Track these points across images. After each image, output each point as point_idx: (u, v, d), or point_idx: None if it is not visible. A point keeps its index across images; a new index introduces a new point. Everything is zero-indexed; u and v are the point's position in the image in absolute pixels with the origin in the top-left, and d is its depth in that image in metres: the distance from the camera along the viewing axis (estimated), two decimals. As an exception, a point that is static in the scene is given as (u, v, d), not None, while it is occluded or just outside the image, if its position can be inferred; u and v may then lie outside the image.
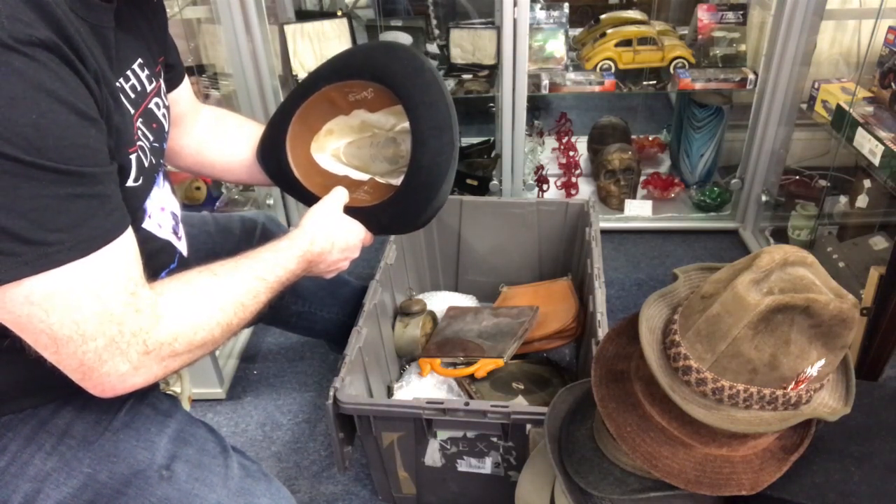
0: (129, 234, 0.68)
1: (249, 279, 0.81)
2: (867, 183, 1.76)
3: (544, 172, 2.22)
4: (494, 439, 1.13)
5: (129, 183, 0.75)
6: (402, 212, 0.99)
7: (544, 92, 1.96)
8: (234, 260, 0.82)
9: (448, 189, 0.96)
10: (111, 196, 0.66)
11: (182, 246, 0.94)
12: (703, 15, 2.01)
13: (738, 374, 0.73)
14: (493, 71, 1.99)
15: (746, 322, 0.70)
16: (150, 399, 0.85)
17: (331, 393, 1.08)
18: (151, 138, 0.81)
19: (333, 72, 1.01)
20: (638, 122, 2.67)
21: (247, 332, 1.77)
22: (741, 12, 1.99)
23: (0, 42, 0.55)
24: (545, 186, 2.20)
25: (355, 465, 1.40)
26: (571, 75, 1.99)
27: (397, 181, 1.00)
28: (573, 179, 2.28)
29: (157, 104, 0.85)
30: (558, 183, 2.28)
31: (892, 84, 1.60)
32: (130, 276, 0.67)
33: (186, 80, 1.04)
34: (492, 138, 2.29)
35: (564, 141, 2.43)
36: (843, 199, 1.88)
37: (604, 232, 1.67)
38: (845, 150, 1.65)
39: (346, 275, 1.37)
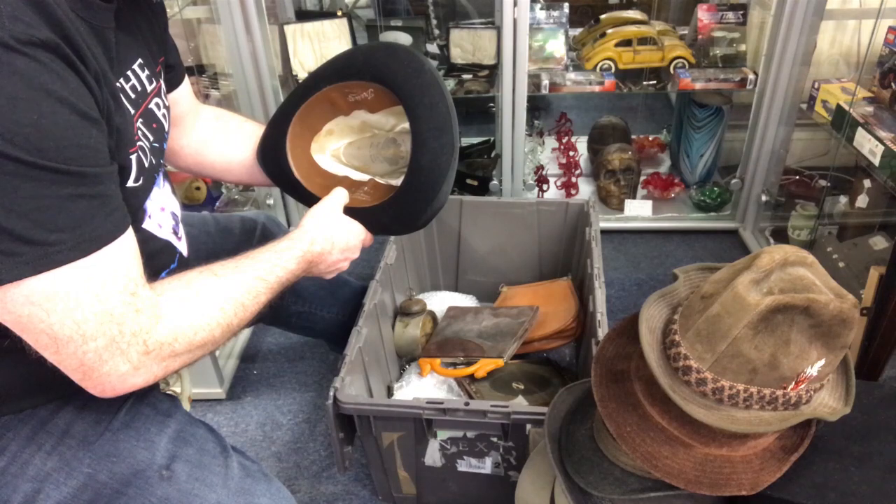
0: (130, 234, 0.68)
1: (249, 279, 0.81)
2: (867, 183, 1.75)
3: (544, 172, 2.22)
4: (494, 439, 1.13)
5: (130, 183, 0.75)
6: (402, 212, 0.99)
7: (544, 92, 1.96)
8: (234, 260, 0.82)
9: (448, 190, 0.96)
10: (112, 196, 0.66)
11: (182, 246, 0.94)
12: (703, 15, 2.01)
13: (738, 374, 0.73)
14: (493, 71, 1.99)
15: (746, 322, 0.70)
16: (150, 399, 0.85)
17: (331, 393, 1.08)
18: (151, 138, 0.81)
19: (334, 72, 1.01)
20: (638, 122, 2.67)
21: (247, 332, 1.77)
22: (741, 12, 1.99)
23: (1, 42, 0.55)
24: (545, 186, 2.20)
25: (355, 465, 1.40)
26: (571, 75, 1.99)
27: (397, 182, 1.00)
28: (573, 179, 2.28)
29: (157, 104, 0.85)
30: (558, 183, 2.28)
31: (892, 84, 1.60)
32: (131, 277, 0.67)
33: (187, 81, 1.04)
34: (492, 138, 2.29)
35: (564, 141, 2.43)
36: (843, 199, 1.88)
37: (604, 232, 1.67)
38: (845, 150, 1.65)
39: (346, 275, 1.37)
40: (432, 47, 2.23)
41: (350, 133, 1.09)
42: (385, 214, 1.00)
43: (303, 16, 2.10)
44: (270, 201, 2.04)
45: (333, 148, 1.09)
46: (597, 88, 1.96)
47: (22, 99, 0.56)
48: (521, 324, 1.44)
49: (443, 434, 1.15)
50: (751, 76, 1.92)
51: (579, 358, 1.49)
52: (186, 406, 1.07)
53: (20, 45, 0.56)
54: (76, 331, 0.62)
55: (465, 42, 2.00)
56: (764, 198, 2.00)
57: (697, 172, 2.21)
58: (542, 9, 2.07)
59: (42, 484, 0.74)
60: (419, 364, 1.42)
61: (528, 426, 1.07)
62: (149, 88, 0.82)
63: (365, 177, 1.07)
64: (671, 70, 1.98)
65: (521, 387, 1.36)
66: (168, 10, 0.95)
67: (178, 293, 0.73)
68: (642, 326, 0.80)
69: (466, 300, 1.71)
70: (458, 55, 2.02)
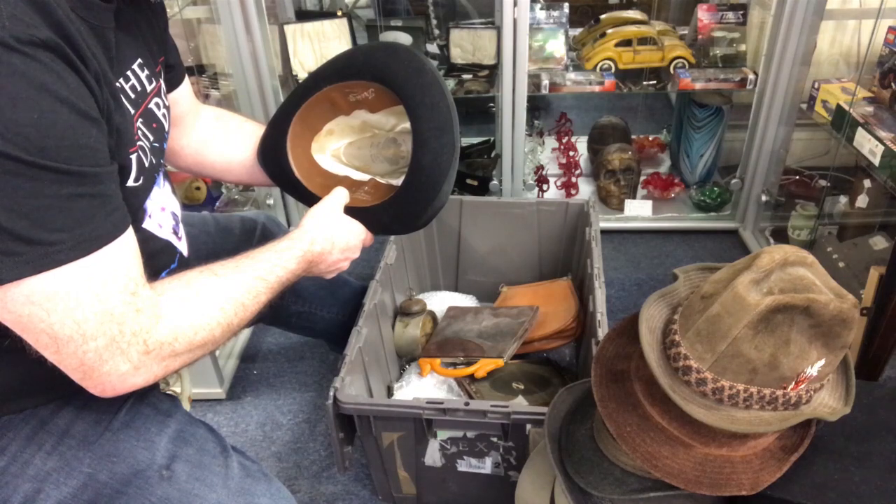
0: (130, 233, 0.68)
1: (250, 279, 0.81)
2: (867, 183, 1.75)
3: (544, 172, 2.22)
4: (494, 439, 1.13)
5: (130, 183, 0.75)
6: (402, 212, 0.99)
7: (544, 92, 1.96)
8: (234, 260, 0.82)
9: (449, 189, 0.96)
10: (112, 196, 0.66)
11: (182, 246, 0.94)
12: (703, 15, 2.01)
13: (738, 374, 0.73)
14: (493, 71, 1.99)
15: (746, 322, 0.70)
16: (151, 399, 0.85)
17: (331, 393, 1.08)
18: (151, 138, 0.81)
19: (334, 72, 1.01)
20: (638, 122, 2.67)
21: (247, 332, 1.77)
22: (741, 12, 1.99)
23: (1, 42, 0.55)
24: (545, 186, 2.20)
25: (355, 465, 1.40)
26: (571, 75, 1.99)
27: (398, 181, 1.00)
28: (573, 179, 2.28)
29: (157, 104, 0.85)
30: (558, 183, 2.28)
31: (892, 84, 1.60)
32: (131, 276, 0.67)
33: (187, 81, 1.04)
34: (492, 138, 2.29)
35: (564, 141, 2.43)
36: (843, 199, 1.88)
37: (604, 232, 1.67)
38: (845, 150, 1.65)
39: (346, 275, 1.37)
40: (432, 47, 2.24)
41: (350, 133, 1.09)
42: (385, 214, 1.00)
43: (303, 16, 2.10)
44: (270, 201, 2.04)
45: (334, 148, 1.09)
46: (597, 88, 1.96)
47: (22, 98, 0.56)
48: (521, 324, 1.44)
49: (443, 434, 1.15)
50: (751, 76, 1.92)
51: (579, 358, 1.49)
52: (186, 406, 1.07)
53: (20, 45, 0.56)
54: (76, 330, 0.62)
55: (465, 42, 2.00)
56: (764, 198, 2.00)
57: (697, 172, 2.21)
58: (542, 9, 2.07)
59: (42, 484, 0.74)
60: (419, 364, 1.42)
61: (528, 426, 1.07)
62: (149, 88, 0.82)
63: (365, 176, 1.07)
64: (671, 70, 1.98)
65: (521, 387, 1.36)
66: (168, 10, 0.95)
67: (179, 293, 0.73)
68: (642, 326, 0.80)
69: (466, 300, 1.71)
70: (458, 55, 2.02)
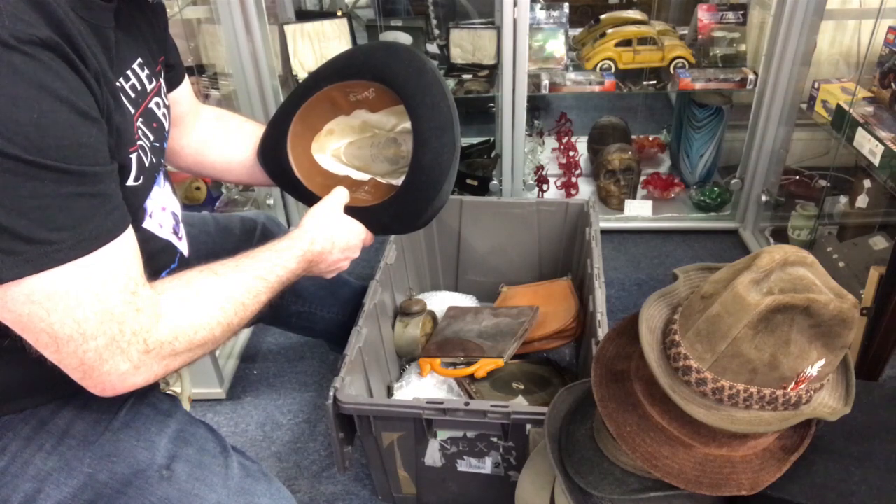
0: (130, 233, 0.68)
1: (250, 279, 0.81)
2: (867, 183, 1.76)
3: (544, 172, 2.22)
4: (494, 439, 1.13)
5: (130, 182, 0.75)
6: (402, 212, 0.99)
7: (544, 92, 1.96)
8: (234, 259, 0.82)
9: (449, 189, 0.96)
10: (112, 195, 0.66)
11: (183, 246, 0.94)
12: (703, 15, 2.01)
13: (738, 374, 0.73)
14: (493, 71, 1.99)
15: (746, 322, 0.70)
16: (151, 399, 0.85)
17: (331, 393, 1.08)
18: (152, 138, 0.82)
19: (335, 72, 1.01)
20: (638, 122, 2.67)
21: (247, 332, 1.77)
22: (741, 12, 1.99)
23: (1, 41, 0.55)
24: (545, 186, 2.20)
25: (355, 465, 1.40)
26: (571, 75, 1.99)
27: (398, 181, 1.00)
28: (573, 179, 2.28)
29: (157, 104, 0.85)
30: (558, 183, 2.28)
31: (892, 84, 1.60)
32: (131, 276, 0.67)
33: (187, 80, 1.04)
34: (492, 138, 2.29)
35: (564, 141, 2.43)
36: (843, 199, 1.88)
37: (604, 232, 1.67)
38: (845, 150, 1.65)
39: (346, 275, 1.37)
40: (432, 47, 2.24)
41: (351, 132, 1.09)
42: (386, 214, 1.00)
43: (303, 16, 2.10)
44: (270, 201, 2.04)
45: (334, 147, 1.09)
46: (597, 88, 1.96)
47: (22, 98, 0.56)
48: (521, 324, 1.44)
49: (443, 434, 1.15)
50: (751, 76, 1.92)
51: (579, 358, 1.49)
52: (186, 406, 1.07)
53: (20, 44, 0.56)
54: (76, 330, 0.62)
55: (465, 42, 2.00)
56: (764, 198, 2.00)
57: (697, 172, 2.21)
58: (542, 9, 2.07)
59: (42, 483, 0.74)
60: (419, 364, 1.42)
61: (528, 426, 1.07)
62: (149, 88, 0.82)
63: (366, 176, 1.07)
64: (671, 70, 1.98)
65: (521, 387, 1.36)
66: (168, 10, 0.95)
67: (179, 292, 0.73)
68: (642, 326, 0.80)
69: (466, 300, 1.71)
70: (458, 55, 2.02)
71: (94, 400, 0.78)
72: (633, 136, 2.48)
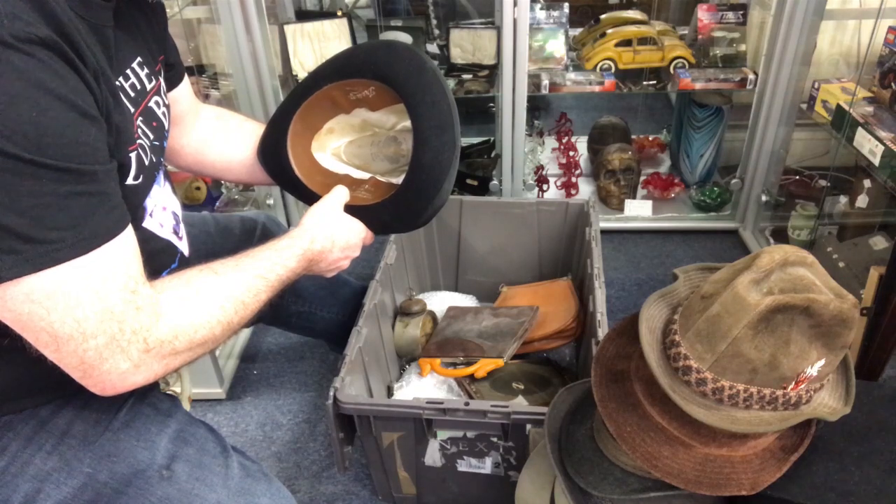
0: (130, 232, 0.68)
1: (250, 277, 0.81)
2: (867, 183, 1.76)
3: (544, 172, 2.22)
4: (494, 439, 1.13)
5: (129, 181, 0.75)
6: (403, 210, 0.99)
7: (544, 92, 1.96)
8: (234, 258, 0.82)
9: (449, 188, 0.96)
10: (111, 194, 0.66)
11: (183, 246, 0.94)
12: (703, 15, 2.01)
13: (738, 374, 0.73)
14: (493, 71, 1.99)
15: (746, 322, 0.70)
16: (151, 399, 0.85)
17: (331, 393, 1.08)
18: (151, 136, 0.81)
19: (335, 70, 1.01)
20: (638, 122, 2.67)
21: (247, 332, 1.77)
22: (741, 12, 1.99)
23: (0, 40, 0.55)
24: (545, 186, 2.20)
25: (355, 465, 1.40)
26: (571, 75, 1.99)
27: (398, 180, 1.00)
28: (573, 179, 2.28)
29: (157, 103, 0.85)
30: (558, 183, 2.28)
31: (892, 84, 1.60)
32: (131, 274, 0.67)
33: (186, 80, 1.04)
34: (492, 138, 2.29)
35: (564, 141, 2.43)
36: (843, 199, 1.88)
37: (604, 232, 1.67)
38: (845, 150, 1.65)
39: (346, 275, 1.37)
40: (432, 47, 2.23)
41: (351, 131, 1.09)
42: (386, 212, 1.00)
43: (303, 16, 2.10)
44: (270, 201, 2.04)
45: (334, 146, 1.09)
46: (597, 88, 1.96)
47: (21, 96, 0.56)
48: (521, 324, 1.44)
49: (443, 434, 1.15)
50: (751, 76, 1.92)
51: (579, 358, 1.49)
52: (186, 406, 1.07)
53: (19, 43, 0.56)
54: (76, 329, 0.62)
55: (465, 42, 2.00)
56: (764, 198, 2.00)
57: (697, 172, 2.21)
58: (542, 9, 2.07)
59: (42, 483, 0.74)
60: (419, 364, 1.42)
61: (528, 426, 1.07)
62: (148, 87, 0.82)
63: (366, 175, 1.07)
64: (671, 70, 1.98)
65: (521, 387, 1.36)
66: (168, 10, 0.95)
67: (179, 291, 0.73)
68: (642, 326, 0.80)
69: (466, 300, 1.71)
70: (458, 55, 2.02)
71: (95, 400, 0.78)
72: (633, 136, 2.48)
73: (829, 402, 0.78)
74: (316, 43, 1.93)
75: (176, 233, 0.91)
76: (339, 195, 1.00)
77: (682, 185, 2.24)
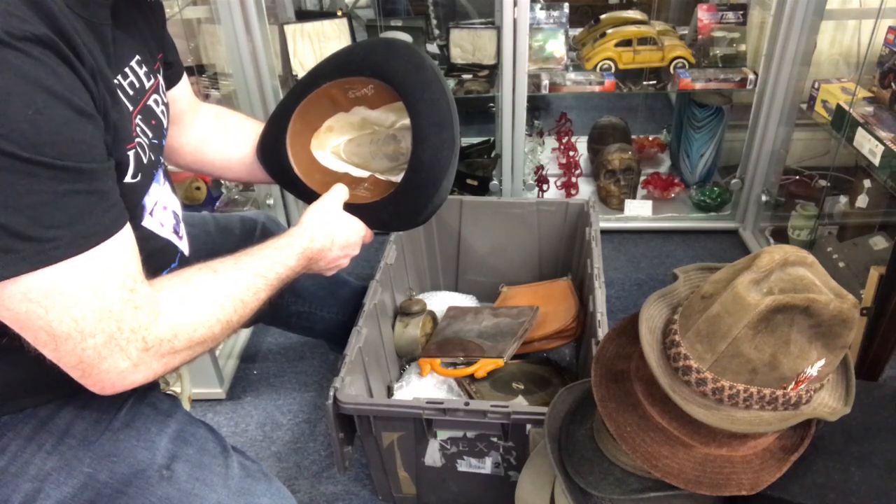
0: (128, 230, 0.68)
1: (249, 276, 0.81)
2: (867, 183, 1.76)
3: (544, 172, 2.22)
4: (494, 439, 1.13)
5: (127, 179, 0.74)
6: (402, 208, 0.99)
7: (544, 92, 1.96)
8: (233, 257, 0.82)
9: (449, 186, 0.96)
10: (109, 192, 0.65)
11: (184, 245, 0.94)
12: (703, 15, 2.01)
13: (738, 374, 0.73)
14: (493, 71, 1.99)
15: (746, 322, 0.70)
16: (151, 399, 0.85)
17: (331, 393, 1.08)
18: (150, 135, 0.81)
19: (334, 69, 1.01)
20: (638, 122, 2.67)
21: (247, 332, 1.77)
22: (741, 12, 1.99)
23: None
24: (545, 186, 2.20)
25: (355, 465, 1.40)
26: (571, 75, 1.99)
27: (397, 178, 1.00)
28: (573, 179, 2.28)
29: (155, 101, 0.85)
30: (558, 183, 2.28)
31: (892, 84, 1.60)
32: (129, 273, 0.66)
33: (185, 78, 1.04)
34: (492, 138, 2.29)
35: (564, 141, 2.43)
36: (843, 199, 1.88)
37: (604, 232, 1.67)
38: (845, 150, 1.65)
39: (345, 275, 1.37)
40: (432, 47, 2.23)
41: (350, 130, 1.09)
42: (385, 211, 0.99)
43: (303, 16, 2.10)
44: (270, 201, 2.04)
45: (333, 144, 1.09)
46: (597, 88, 1.96)
47: (16, 94, 0.56)
48: (521, 324, 1.44)
49: (443, 434, 1.15)
50: (751, 76, 1.92)
51: (579, 358, 1.49)
52: (186, 406, 1.06)
53: (14, 41, 0.56)
54: (75, 328, 0.62)
55: (465, 42, 2.00)
56: (764, 198, 2.00)
57: (697, 172, 2.21)
58: (542, 9, 2.07)
59: (42, 483, 0.74)
60: (419, 364, 1.42)
61: (528, 426, 1.07)
62: (147, 85, 0.82)
63: (365, 173, 1.07)
64: (671, 70, 1.98)
65: (521, 387, 1.36)
66: (168, 10, 0.95)
67: (178, 290, 0.73)
68: (642, 326, 0.80)
69: (466, 300, 1.71)
70: (458, 55, 2.02)
71: (95, 400, 0.78)
72: (633, 136, 2.48)
73: (829, 402, 0.78)
74: (316, 43, 1.93)
75: (176, 232, 0.91)
76: (339, 193, 1.00)
77: (682, 185, 2.24)
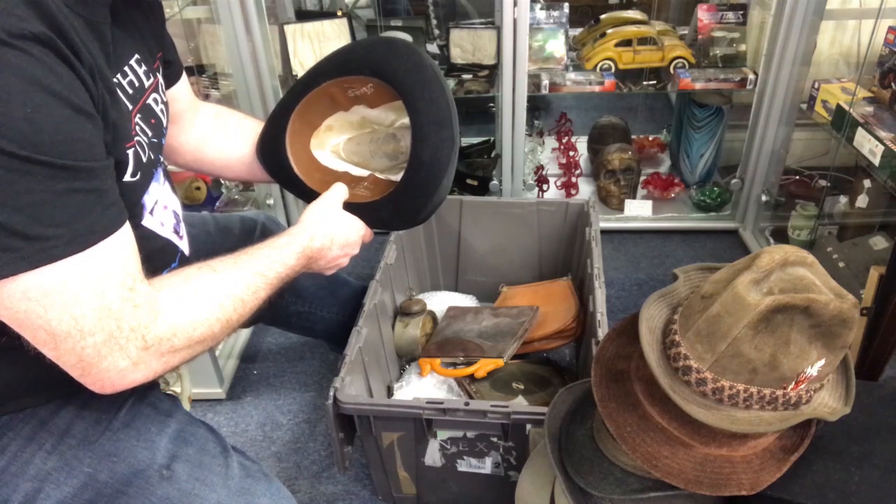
0: (127, 229, 0.68)
1: (249, 275, 0.81)
2: (867, 183, 1.76)
3: (544, 172, 2.22)
4: (494, 439, 1.13)
5: (127, 178, 0.74)
6: (402, 207, 0.99)
7: (544, 92, 1.96)
8: (233, 256, 0.82)
9: (448, 185, 0.96)
10: (108, 191, 0.65)
11: (184, 245, 0.94)
12: (703, 15, 2.01)
13: (738, 374, 0.73)
14: (493, 71, 1.99)
15: (746, 322, 0.70)
16: (151, 399, 0.85)
17: (331, 393, 1.08)
18: (150, 134, 0.81)
19: (333, 67, 1.01)
20: (638, 122, 2.66)
21: (247, 332, 1.77)
22: (741, 12, 1.99)
23: None
24: (545, 186, 2.20)
25: (355, 465, 1.40)
26: (571, 75, 1.99)
27: (397, 177, 1.00)
28: (573, 179, 2.28)
29: (155, 100, 0.85)
30: (558, 183, 2.28)
31: (892, 84, 1.60)
32: (128, 272, 0.66)
33: (185, 77, 1.04)
34: (492, 138, 2.29)
35: (564, 141, 2.43)
36: (843, 199, 1.88)
37: (604, 232, 1.67)
38: (845, 150, 1.65)
39: (345, 275, 1.37)
40: (432, 47, 2.23)
41: (349, 129, 1.09)
42: (385, 209, 0.99)
43: (303, 16, 2.10)
44: (270, 201, 2.04)
45: (333, 144, 1.09)
46: (597, 88, 1.96)
47: (15, 93, 0.56)
48: (521, 324, 1.44)
49: (443, 434, 1.15)
50: (751, 76, 1.92)
51: (579, 358, 1.49)
52: (186, 406, 1.06)
53: (12, 39, 0.56)
54: (74, 326, 0.62)
55: (465, 42, 2.00)
56: (764, 198, 2.00)
57: (697, 172, 2.21)
58: (542, 9, 2.07)
59: (42, 483, 0.74)
60: (419, 364, 1.42)
61: (528, 426, 1.07)
62: (146, 84, 0.82)
63: (365, 172, 1.07)
64: (671, 70, 1.98)
65: (521, 387, 1.36)
66: (168, 10, 0.95)
67: (177, 289, 0.73)
68: (642, 326, 0.80)
69: (466, 300, 1.71)
70: (458, 55, 2.02)
71: (95, 399, 0.78)
72: (633, 136, 2.48)
73: (829, 402, 0.78)
74: (316, 43, 1.93)
75: (176, 232, 0.91)
76: (338, 192, 1.00)
77: (682, 185, 2.24)
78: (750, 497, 0.76)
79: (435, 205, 0.97)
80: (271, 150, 1.06)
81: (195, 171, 1.37)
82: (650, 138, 2.54)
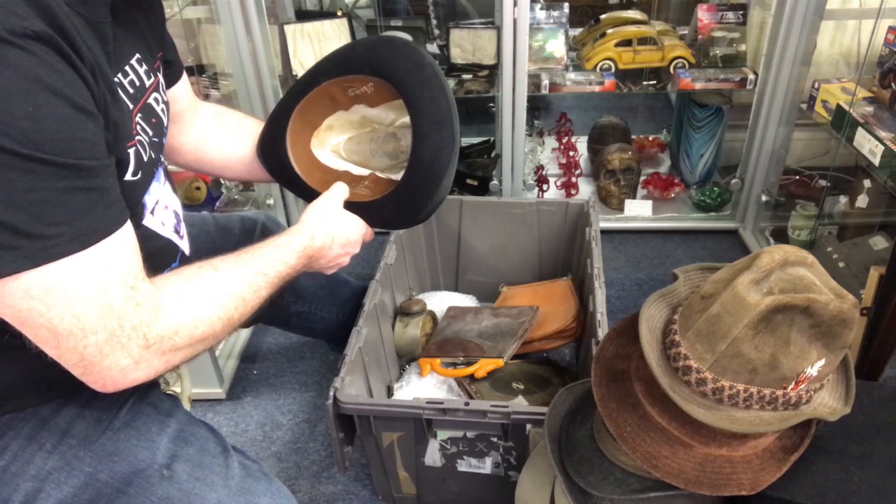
0: (128, 227, 0.68)
1: (250, 274, 0.81)
2: (867, 183, 1.76)
3: (544, 172, 2.22)
4: (494, 439, 1.13)
5: (128, 177, 0.75)
6: (403, 206, 0.99)
7: (544, 92, 1.96)
8: (234, 255, 0.82)
9: (449, 184, 0.96)
10: (109, 189, 0.66)
11: (184, 245, 0.94)
12: (703, 15, 2.01)
13: (738, 374, 0.73)
14: (493, 71, 1.99)
15: (746, 322, 0.70)
16: (151, 398, 0.85)
17: (331, 393, 1.08)
18: (150, 133, 0.81)
19: (333, 67, 1.01)
20: (638, 122, 2.67)
21: (247, 332, 1.77)
22: (741, 12, 2.00)
23: None
24: (545, 186, 2.20)
25: (355, 465, 1.40)
26: (571, 75, 1.99)
27: (397, 176, 1.00)
28: (573, 179, 2.28)
29: (156, 99, 0.85)
30: (558, 183, 2.28)
31: (892, 84, 1.60)
32: (130, 270, 0.66)
33: (185, 77, 1.04)
34: (492, 138, 2.29)
35: (564, 141, 2.43)
36: (843, 199, 1.88)
37: (604, 232, 1.67)
38: (845, 150, 1.65)
39: (345, 275, 1.37)
40: (432, 47, 2.23)
41: (350, 128, 1.09)
42: (386, 208, 0.99)
43: (303, 16, 2.10)
44: (270, 201, 2.04)
45: (333, 143, 1.09)
46: (597, 88, 1.96)
47: (16, 91, 0.56)
48: (521, 324, 1.44)
49: (443, 434, 1.15)
50: (751, 76, 1.92)
51: (579, 358, 1.49)
52: (187, 406, 1.06)
53: (14, 38, 0.56)
54: (76, 324, 0.62)
55: (465, 42, 2.00)
56: (764, 198, 2.00)
57: (697, 172, 2.21)
58: (542, 9, 2.07)
59: (43, 483, 0.74)
60: (419, 364, 1.42)
61: (528, 426, 1.07)
62: (147, 83, 0.82)
63: (365, 171, 1.07)
64: (671, 70, 1.98)
65: (521, 387, 1.36)
66: (168, 10, 0.95)
67: (178, 287, 0.73)
68: (642, 326, 0.80)
69: (466, 300, 1.71)
70: (458, 55, 2.02)
71: (95, 399, 0.78)
72: (633, 136, 2.48)
73: (829, 402, 0.78)
74: (316, 43, 1.93)
75: (177, 231, 0.91)
76: (339, 192, 1.00)
77: (682, 185, 2.24)
78: (750, 497, 0.76)
79: (435, 204, 0.98)
80: (272, 149, 1.06)
81: (195, 171, 1.36)
82: (650, 138, 2.54)
